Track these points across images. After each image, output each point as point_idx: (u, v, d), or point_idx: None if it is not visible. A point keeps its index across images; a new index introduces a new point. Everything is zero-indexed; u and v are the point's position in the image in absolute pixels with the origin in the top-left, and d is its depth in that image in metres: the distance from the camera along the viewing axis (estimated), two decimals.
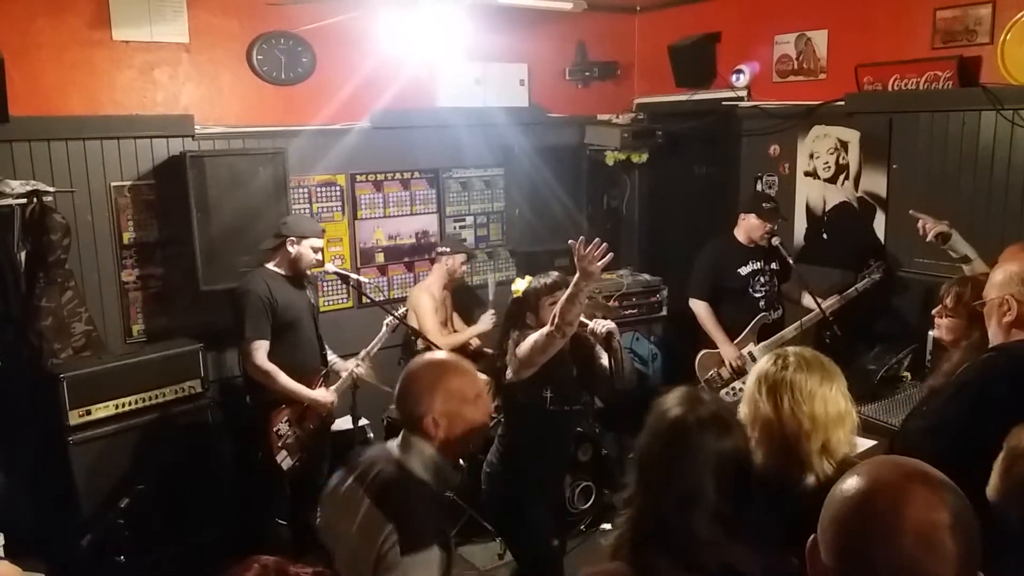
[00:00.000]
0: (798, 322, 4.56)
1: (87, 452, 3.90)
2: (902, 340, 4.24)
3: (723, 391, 4.58)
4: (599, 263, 2.82)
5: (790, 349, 2.08)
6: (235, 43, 4.58)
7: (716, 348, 4.65)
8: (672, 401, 1.75)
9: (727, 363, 4.59)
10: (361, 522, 2.00)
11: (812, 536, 1.19)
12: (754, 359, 4.57)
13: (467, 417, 2.08)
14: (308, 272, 4.16)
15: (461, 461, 2.32)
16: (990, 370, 2.37)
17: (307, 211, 4.92)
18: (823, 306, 4.36)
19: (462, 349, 4.88)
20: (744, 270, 4.61)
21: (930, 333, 3.76)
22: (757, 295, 4.63)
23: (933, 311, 2.99)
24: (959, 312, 2.81)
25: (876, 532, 1.09)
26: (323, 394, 4.08)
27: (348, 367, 4.22)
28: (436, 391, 2.05)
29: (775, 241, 4.57)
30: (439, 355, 2.27)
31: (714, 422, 1.69)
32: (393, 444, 2.14)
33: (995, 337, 2.44)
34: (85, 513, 3.86)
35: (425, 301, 4.86)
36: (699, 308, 4.67)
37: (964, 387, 2.39)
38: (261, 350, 3.91)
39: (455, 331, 5.07)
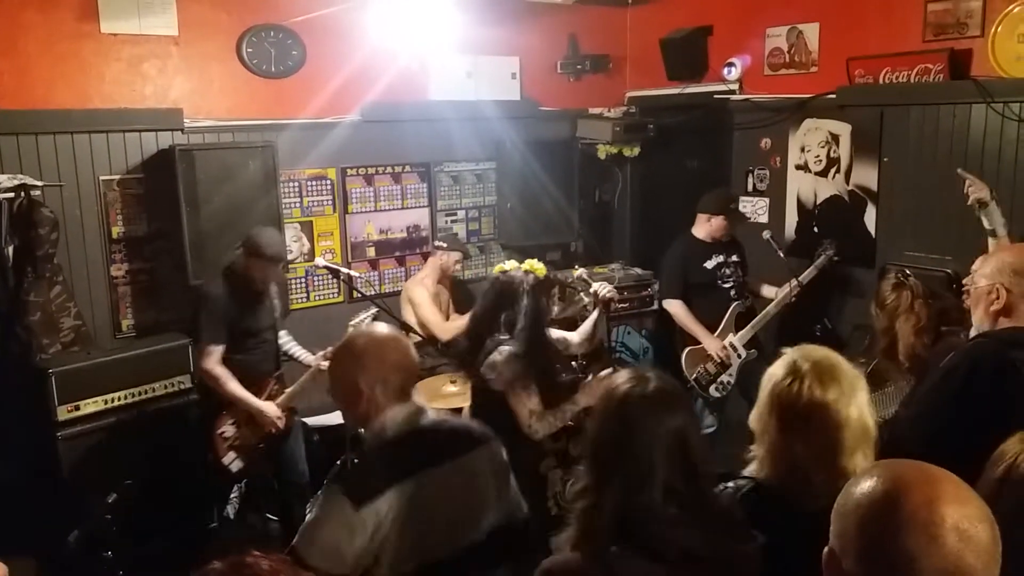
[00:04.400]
0: (772, 302, 4.58)
1: (75, 447, 3.88)
2: None
3: (711, 387, 4.60)
4: None
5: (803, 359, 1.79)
6: (224, 36, 4.55)
7: (699, 344, 4.65)
8: (616, 382, 1.71)
9: (713, 355, 4.59)
10: None
11: (827, 548, 1.17)
12: (735, 349, 4.59)
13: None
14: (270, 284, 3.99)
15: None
16: (978, 356, 2.36)
17: (297, 205, 4.90)
18: (779, 295, 4.48)
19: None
20: (710, 264, 4.66)
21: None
22: (726, 285, 4.68)
23: None
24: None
25: (915, 532, 1.08)
26: (270, 407, 3.92)
27: (313, 360, 4.06)
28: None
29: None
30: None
31: (659, 398, 1.64)
32: None
33: (980, 324, 2.44)
34: (73, 508, 3.83)
35: (420, 293, 4.84)
36: (675, 307, 4.71)
37: (951, 373, 2.38)
38: (214, 355, 3.81)
39: None
